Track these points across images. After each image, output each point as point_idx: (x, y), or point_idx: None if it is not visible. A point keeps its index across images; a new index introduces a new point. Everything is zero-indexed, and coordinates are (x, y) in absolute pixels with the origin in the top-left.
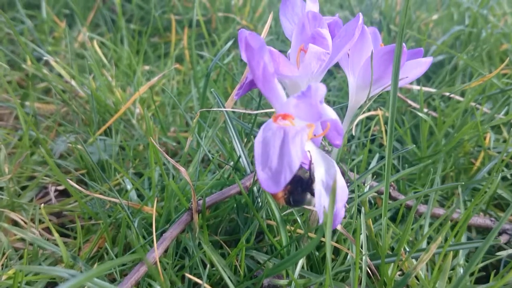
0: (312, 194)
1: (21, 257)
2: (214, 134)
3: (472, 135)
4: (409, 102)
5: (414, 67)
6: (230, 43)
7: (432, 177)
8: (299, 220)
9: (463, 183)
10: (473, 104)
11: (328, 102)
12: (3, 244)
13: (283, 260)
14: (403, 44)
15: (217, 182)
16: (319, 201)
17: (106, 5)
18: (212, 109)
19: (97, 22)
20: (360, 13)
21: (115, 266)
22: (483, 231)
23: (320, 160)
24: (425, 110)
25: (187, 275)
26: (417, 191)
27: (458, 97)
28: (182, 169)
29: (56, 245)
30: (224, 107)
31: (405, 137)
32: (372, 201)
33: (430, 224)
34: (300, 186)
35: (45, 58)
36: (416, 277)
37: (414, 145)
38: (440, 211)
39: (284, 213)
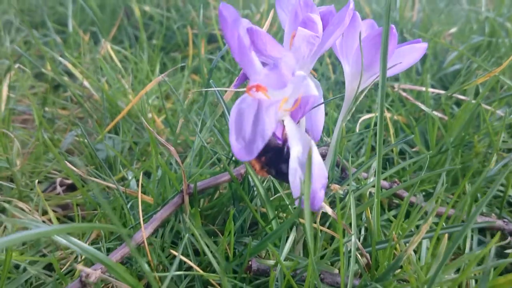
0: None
1: (24, 243)
2: (212, 124)
3: (483, 136)
4: (420, 105)
5: (408, 53)
6: None
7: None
8: (289, 205)
9: (450, 168)
10: (487, 107)
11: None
12: (8, 230)
13: (264, 237)
14: (392, 26)
15: (212, 172)
16: (294, 178)
17: (130, 22)
18: (205, 89)
19: (122, 38)
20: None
21: (86, 231)
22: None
23: (297, 138)
24: (438, 114)
25: (172, 251)
26: (425, 191)
27: (468, 99)
28: (171, 148)
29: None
30: (223, 99)
31: (414, 139)
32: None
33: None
34: (279, 157)
35: (59, 58)
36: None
37: (413, 135)
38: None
39: (273, 197)
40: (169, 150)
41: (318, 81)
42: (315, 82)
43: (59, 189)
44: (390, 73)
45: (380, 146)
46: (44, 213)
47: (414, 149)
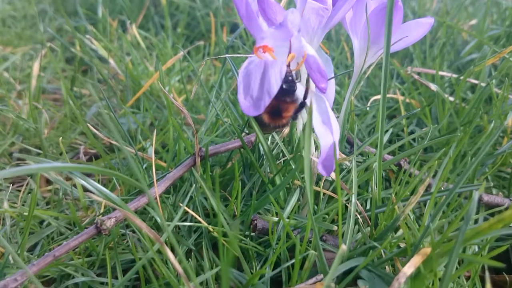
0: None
1: (47, 203)
2: (227, 96)
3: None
4: (429, 84)
5: (414, 28)
6: None
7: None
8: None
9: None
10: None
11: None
12: (34, 192)
13: (266, 193)
14: None
15: (224, 141)
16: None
17: (158, 11)
18: (219, 56)
19: (148, 26)
20: None
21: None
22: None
23: (313, 100)
24: (451, 99)
25: (181, 205)
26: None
27: (476, 82)
28: (185, 110)
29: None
30: (237, 70)
31: (425, 120)
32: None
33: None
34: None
35: (87, 37)
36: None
37: (418, 109)
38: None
39: (279, 161)
40: (183, 112)
41: (329, 56)
42: (325, 57)
43: (83, 157)
44: (396, 47)
45: (383, 115)
46: (68, 179)
47: (424, 130)
